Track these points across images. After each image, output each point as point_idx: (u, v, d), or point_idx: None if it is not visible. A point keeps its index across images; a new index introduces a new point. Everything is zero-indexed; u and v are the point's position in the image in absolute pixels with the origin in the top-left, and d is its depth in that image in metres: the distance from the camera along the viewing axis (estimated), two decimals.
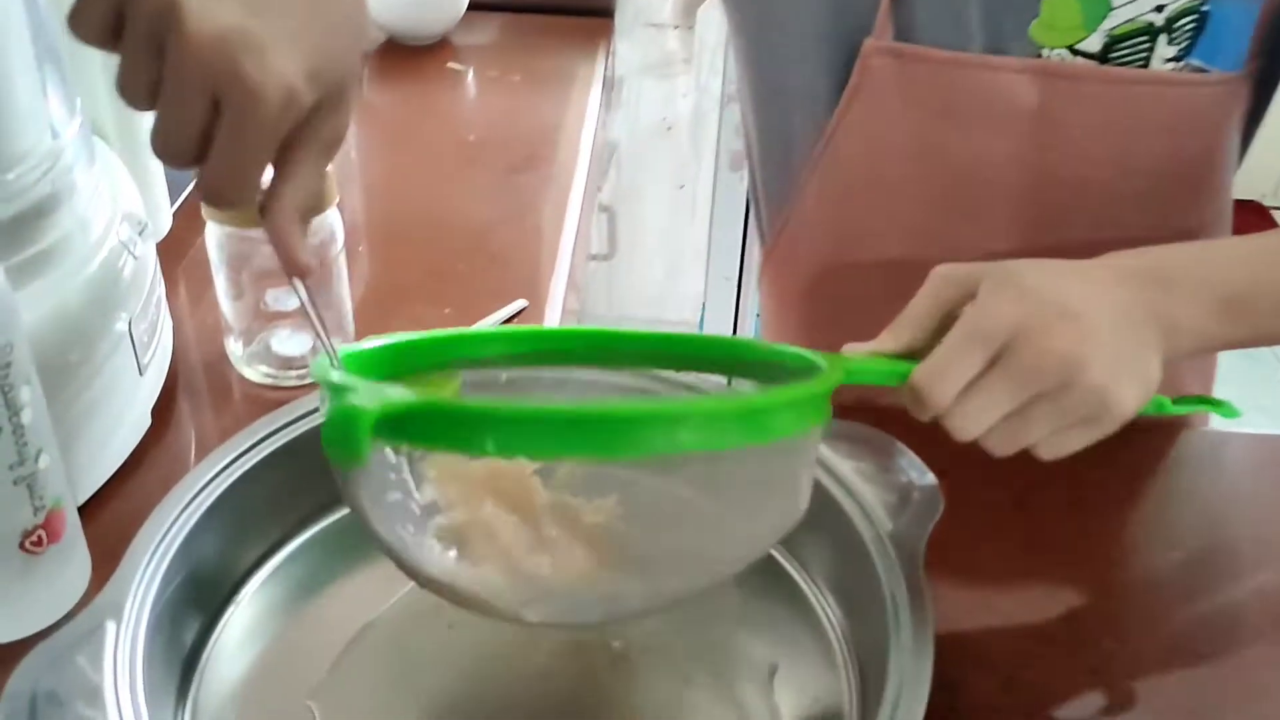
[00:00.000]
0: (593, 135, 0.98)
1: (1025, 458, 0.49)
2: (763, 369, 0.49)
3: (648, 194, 1.52)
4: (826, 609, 0.50)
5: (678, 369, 0.51)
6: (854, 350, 0.47)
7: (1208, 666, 0.50)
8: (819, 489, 0.50)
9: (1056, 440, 0.45)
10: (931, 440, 0.52)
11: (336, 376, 0.38)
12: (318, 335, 0.42)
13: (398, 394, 0.35)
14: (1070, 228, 0.60)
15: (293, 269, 0.41)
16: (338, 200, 0.63)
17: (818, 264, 0.67)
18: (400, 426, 0.35)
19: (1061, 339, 0.43)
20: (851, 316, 0.52)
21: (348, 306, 0.66)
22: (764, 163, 0.69)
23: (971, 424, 0.44)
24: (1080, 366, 0.43)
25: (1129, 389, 0.44)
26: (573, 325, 0.57)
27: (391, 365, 0.45)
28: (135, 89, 0.37)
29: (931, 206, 0.61)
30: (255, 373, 0.65)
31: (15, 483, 0.45)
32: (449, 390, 0.46)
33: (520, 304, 0.73)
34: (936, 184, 0.60)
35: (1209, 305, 0.47)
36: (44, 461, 0.46)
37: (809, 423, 0.41)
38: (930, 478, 0.50)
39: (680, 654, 0.48)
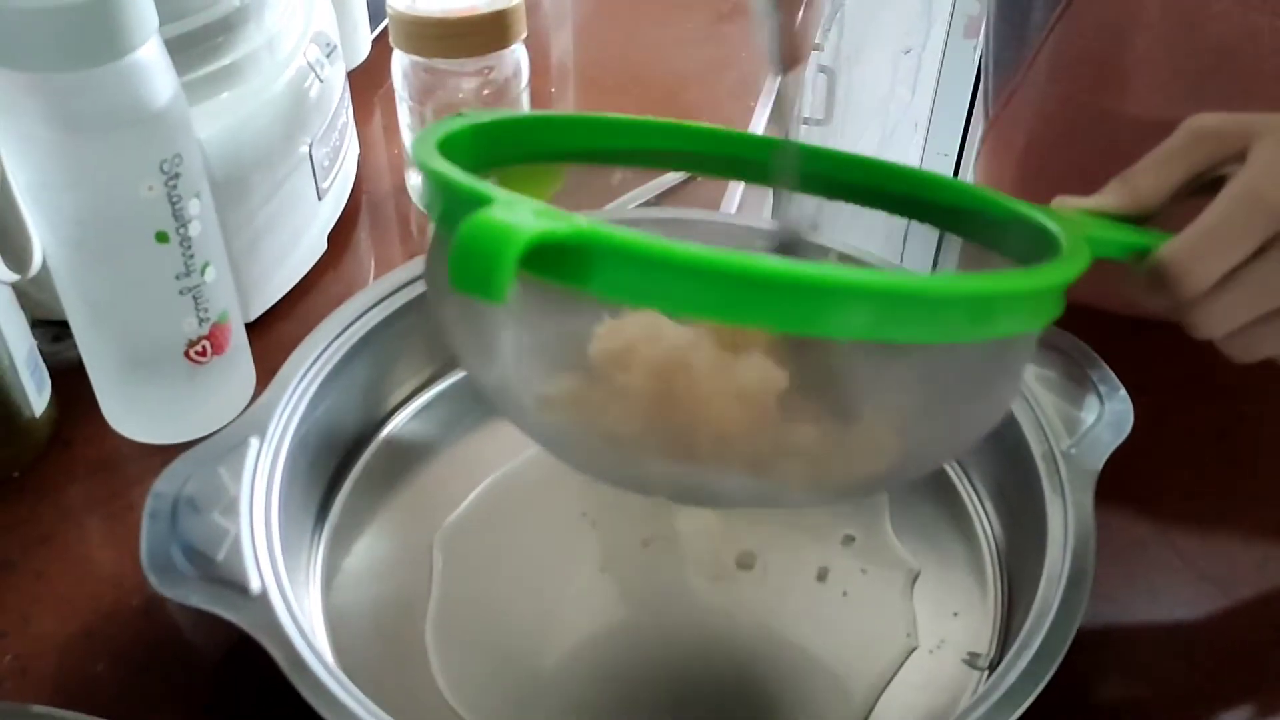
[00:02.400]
0: None
1: (1240, 381, 0.42)
2: (967, 222, 0.41)
3: (870, 57, 1.43)
4: (983, 521, 0.47)
5: (854, 201, 0.43)
6: (1066, 204, 0.39)
7: None
8: None
9: None
10: (1129, 350, 0.47)
11: (460, 175, 0.30)
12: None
13: (552, 216, 0.26)
14: None
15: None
16: (524, 35, 0.60)
17: (1041, 143, 0.60)
18: (560, 260, 0.26)
19: None
20: None
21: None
22: (999, 20, 0.62)
23: (1220, 321, 0.37)
24: None
25: None
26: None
27: (483, 150, 0.37)
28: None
29: (1182, 90, 0.53)
30: None
31: (181, 293, 0.46)
32: (553, 186, 0.40)
33: None
34: (1191, 63, 0.52)
35: None
36: (211, 275, 0.47)
37: (1040, 319, 0.32)
38: (1122, 396, 0.45)
39: (814, 549, 0.45)
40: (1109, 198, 0.40)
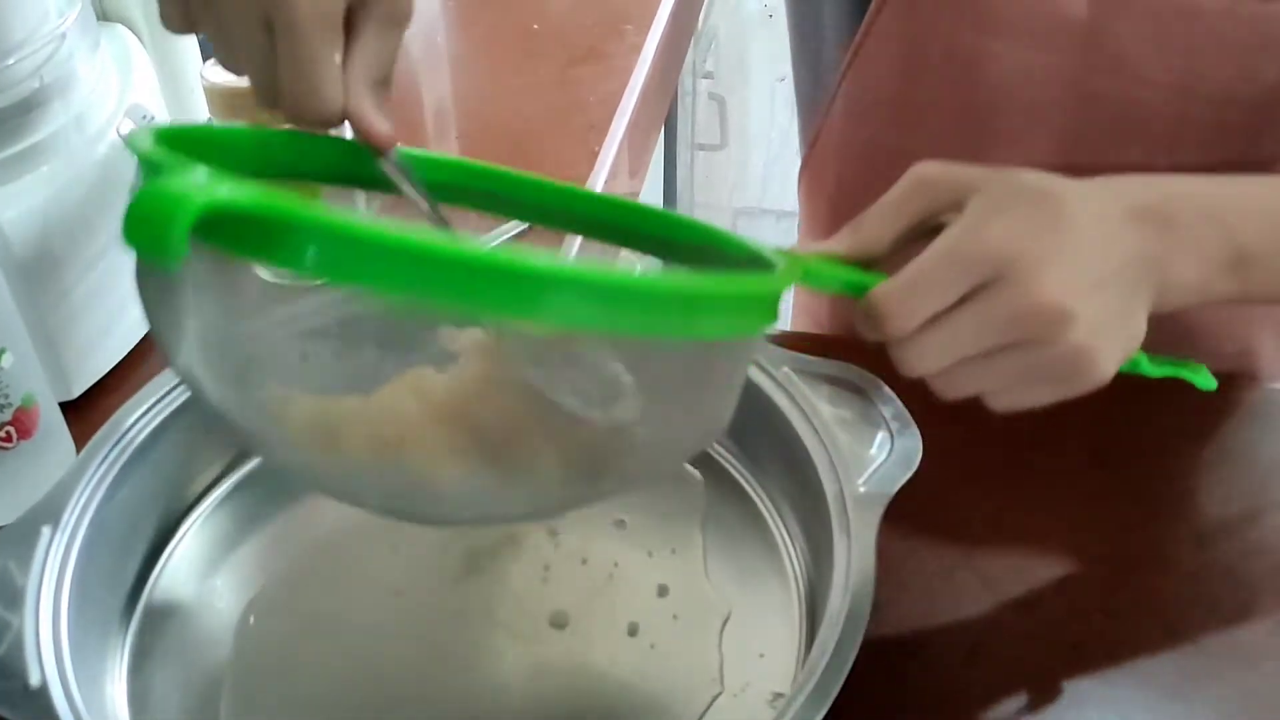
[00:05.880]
0: (662, 29, 0.93)
1: (1050, 409, 0.44)
2: (701, 257, 0.42)
3: (749, 83, 1.46)
4: (793, 560, 0.48)
5: (589, 236, 0.45)
6: (801, 250, 0.41)
7: (1208, 656, 0.45)
8: (790, 434, 0.47)
9: (1015, 393, 0.39)
10: None
11: (156, 150, 0.30)
12: (424, 209, 0.39)
13: (233, 187, 0.26)
14: (1119, 159, 0.53)
15: (374, 141, 0.39)
16: None
17: (849, 182, 0.62)
18: (239, 231, 0.26)
19: (1055, 287, 0.37)
20: None
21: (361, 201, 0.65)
22: (797, 60, 0.64)
23: (925, 361, 0.38)
24: (1067, 322, 0.37)
25: (1112, 352, 0.38)
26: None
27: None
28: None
29: (965, 129, 0.55)
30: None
31: None
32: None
33: None
34: (971, 104, 0.54)
35: (1214, 258, 0.41)
36: (8, 361, 0.46)
37: (751, 326, 0.33)
38: (912, 432, 0.46)
39: (628, 603, 0.46)
40: (838, 243, 0.41)
